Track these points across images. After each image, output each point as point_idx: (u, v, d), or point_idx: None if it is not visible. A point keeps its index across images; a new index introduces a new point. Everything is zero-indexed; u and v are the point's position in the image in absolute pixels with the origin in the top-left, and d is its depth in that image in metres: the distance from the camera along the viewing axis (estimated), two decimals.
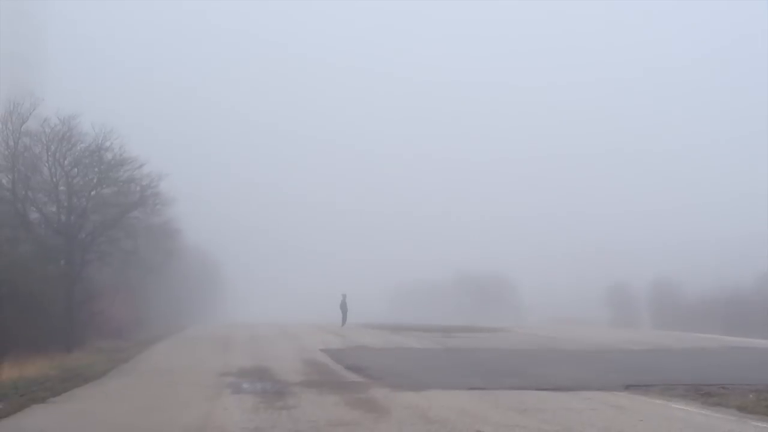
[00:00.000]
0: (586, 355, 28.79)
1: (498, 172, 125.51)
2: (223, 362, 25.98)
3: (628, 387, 18.66)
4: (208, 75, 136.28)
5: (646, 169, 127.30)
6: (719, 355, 29.25)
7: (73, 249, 36.53)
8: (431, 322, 58.49)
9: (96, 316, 37.29)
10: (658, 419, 14.21)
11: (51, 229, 36.64)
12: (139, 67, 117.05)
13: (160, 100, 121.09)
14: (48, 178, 36.67)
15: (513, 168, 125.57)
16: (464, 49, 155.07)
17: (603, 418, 14.24)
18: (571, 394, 17.53)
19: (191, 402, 17.00)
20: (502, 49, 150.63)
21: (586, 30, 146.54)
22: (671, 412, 15.10)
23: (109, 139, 37.50)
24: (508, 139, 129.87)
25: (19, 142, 35.41)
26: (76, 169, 37.33)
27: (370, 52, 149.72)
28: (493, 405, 15.93)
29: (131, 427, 14.23)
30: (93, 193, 37.95)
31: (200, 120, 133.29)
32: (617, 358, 27.66)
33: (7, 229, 34.96)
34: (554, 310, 74.26)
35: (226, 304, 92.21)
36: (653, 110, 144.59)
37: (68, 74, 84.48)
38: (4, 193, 35.37)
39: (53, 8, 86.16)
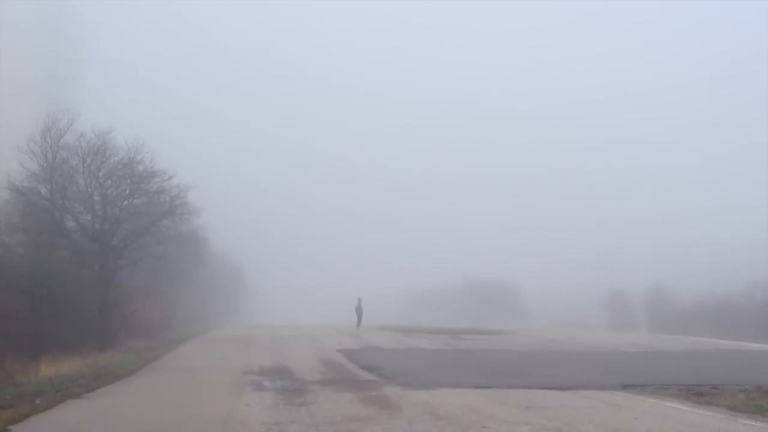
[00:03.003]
0: (586, 356, 28.66)
1: (503, 185, 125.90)
2: (245, 361, 25.97)
3: (624, 387, 18.58)
4: (232, 94, 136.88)
5: (641, 182, 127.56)
6: (710, 357, 29.09)
7: (106, 255, 36.64)
8: (440, 324, 58.44)
9: (127, 318, 37.39)
10: (653, 417, 14.15)
11: (86, 237, 36.75)
12: (169, 86, 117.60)
13: (188, 117, 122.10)
14: (84, 188, 36.85)
15: (518, 182, 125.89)
16: (476, 74, 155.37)
17: (601, 416, 14.19)
18: (571, 393, 17.47)
19: (215, 398, 17.01)
20: (511, 71, 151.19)
21: (585, 54, 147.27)
22: (665, 411, 15.03)
23: (140, 153, 37.75)
24: (513, 156, 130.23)
25: (57, 155, 35.60)
26: (109, 181, 37.49)
27: (388, 75, 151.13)
28: (498, 403, 15.89)
29: (160, 420, 14.25)
30: (125, 203, 38.08)
31: (226, 135, 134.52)
32: (615, 359, 27.52)
33: (45, 236, 35.15)
34: (556, 314, 74.13)
35: (249, 307, 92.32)
36: (648, 128, 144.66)
37: (103, 92, 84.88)
38: (42, 202, 35.55)
39: (90, 32, 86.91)
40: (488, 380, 19.88)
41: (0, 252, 33.64)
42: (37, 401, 17.07)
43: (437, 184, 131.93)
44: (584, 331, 49.53)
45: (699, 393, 17.42)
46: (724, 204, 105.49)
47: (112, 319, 35.91)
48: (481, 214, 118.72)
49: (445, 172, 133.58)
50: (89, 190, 36.72)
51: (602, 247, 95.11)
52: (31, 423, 14.43)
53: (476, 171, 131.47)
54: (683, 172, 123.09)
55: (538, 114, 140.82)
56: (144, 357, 29.41)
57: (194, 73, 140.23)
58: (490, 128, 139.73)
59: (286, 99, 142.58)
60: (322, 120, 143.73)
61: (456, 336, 39.87)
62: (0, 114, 57.77)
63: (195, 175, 44.60)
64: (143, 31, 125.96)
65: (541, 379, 20.08)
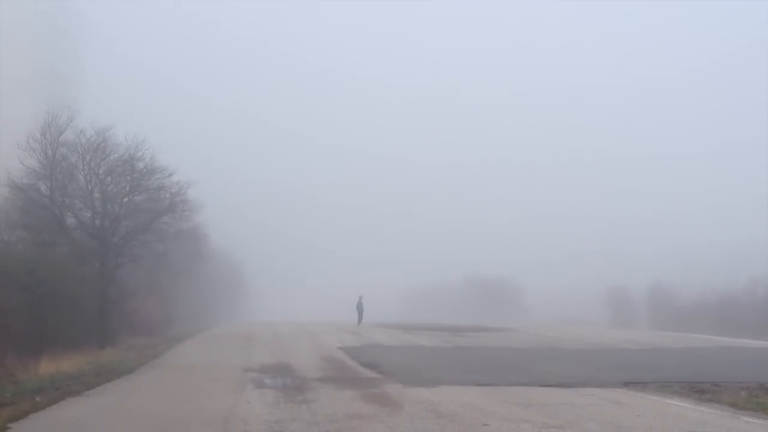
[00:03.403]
0: (587, 353, 28.65)
1: (505, 179, 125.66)
2: (246, 359, 25.98)
3: (626, 384, 18.55)
4: (232, 90, 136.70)
5: (643, 177, 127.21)
6: (712, 354, 29.06)
7: (107, 252, 36.62)
8: (441, 321, 58.43)
9: (128, 315, 37.39)
10: (655, 415, 14.12)
11: (86, 234, 36.70)
12: (170, 82, 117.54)
13: (189, 114, 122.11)
14: (84, 185, 36.78)
15: (519, 175, 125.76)
16: (477, 65, 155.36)
17: (603, 413, 14.16)
18: (572, 391, 17.44)
19: (216, 395, 17.01)
20: (512, 62, 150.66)
21: (589, 40, 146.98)
22: (667, 408, 15.00)
23: (140, 150, 37.61)
24: (515, 148, 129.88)
25: (57, 152, 35.52)
26: (109, 178, 37.42)
27: (387, 66, 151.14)
28: (499, 400, 15.86)
29: (160, 418, 14.24)
30: (125, 199, 38.00)
31: (226, 131, 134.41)
32: (616, 356, 27.51)
33: (45, 233, 35.10)
34: (557, 311, 74.03)
35: (249, 303, 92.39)
36: (648, 123, 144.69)
37: (103, 89, 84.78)
38: (42, 199, 35.50)
39: (91, 29, 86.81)
40: (489, 377, 19.87)
41: (0, 249, 33.60)
42: (38, 398, 17.06)
43: (438, 179, 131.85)
44: (585, 328, 49.54)
45: (701, 390, 17.40)
46: (725, 200, 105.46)
47: (113, 317, 35.91)
48: (481, 211, 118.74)
49: (445, 168, 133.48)
50: (89, 186, 36.65)
51: (603, 244, 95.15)
52: (31, 420, 14.43)
53: (476, 167, 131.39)
54: (684, 167, 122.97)
55: (537, 110, 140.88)
56: (145, 354, 29.43)
57: (194, 69, 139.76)
58: (490, 122, 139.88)
59: (287, 93, 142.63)
60: (323, 116, 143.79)
61: (456, 333, 39.88)
62: None
63: (195, 171, 44.57)
64: (143, 27, 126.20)
65: (542, 377, 20.05)
